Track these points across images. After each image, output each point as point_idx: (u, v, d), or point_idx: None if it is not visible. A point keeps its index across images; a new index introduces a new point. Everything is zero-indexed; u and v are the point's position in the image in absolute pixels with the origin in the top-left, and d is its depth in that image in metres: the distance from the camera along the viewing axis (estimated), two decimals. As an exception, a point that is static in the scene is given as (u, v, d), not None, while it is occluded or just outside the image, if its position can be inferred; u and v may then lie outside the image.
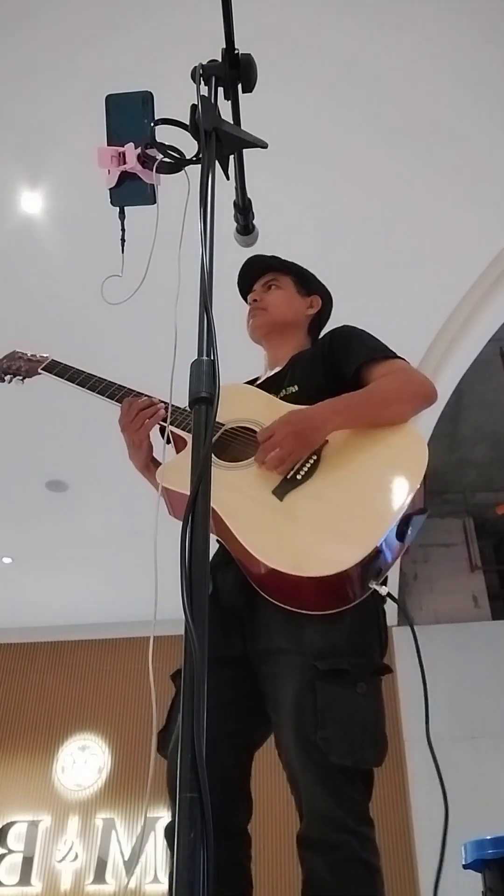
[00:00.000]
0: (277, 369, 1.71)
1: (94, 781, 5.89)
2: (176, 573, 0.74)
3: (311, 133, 3.03)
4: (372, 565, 1.24)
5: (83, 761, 5.97)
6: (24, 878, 5.52)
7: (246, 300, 1.87)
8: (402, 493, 1.31)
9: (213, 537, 1.45)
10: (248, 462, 1.41)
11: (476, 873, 1.76)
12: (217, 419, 1.46)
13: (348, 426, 1.41)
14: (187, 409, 1.47)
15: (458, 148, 3.11)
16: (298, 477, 1.35)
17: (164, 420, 1.46)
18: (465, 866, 1.75)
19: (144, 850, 5.51)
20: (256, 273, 1.84)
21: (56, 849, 5.63)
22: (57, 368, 1.70)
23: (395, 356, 1.56)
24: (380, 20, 2.70)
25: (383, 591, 1.29)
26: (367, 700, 1.26)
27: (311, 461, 1.37)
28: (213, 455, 1.41)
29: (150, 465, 1.54)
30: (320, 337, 1.74)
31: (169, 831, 1.27)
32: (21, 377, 1.76)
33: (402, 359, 1.56)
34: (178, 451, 1.51)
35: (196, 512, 0.78)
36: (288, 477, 1.35)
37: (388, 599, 1.36)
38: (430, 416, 4.10)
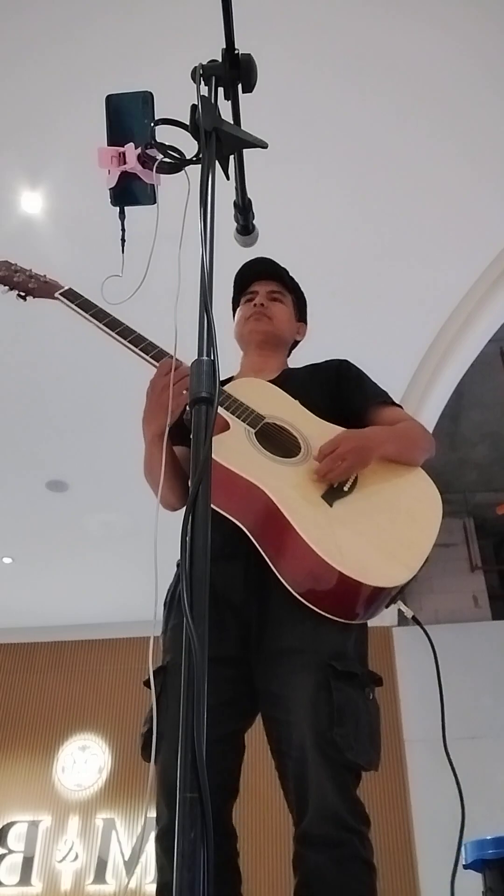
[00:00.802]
0: (267, 378, 1.70)
1: (94, 781, 5.89)
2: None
3: (312, 133, 3.02)
4: (405, 588, 1.34)
5: (83, 761, 5.97)
6: (25, 879, 5.52)
7: (239, 295, 1.86)
8: (430, 530, 1.41)
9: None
10: (295, 461, 1.43)
11: (476, 873, 1.76)
12: (256, 409, 1.47)
13: (388, 456, 1.50)
14: (226, 391, 1.48)
15: (459, 148, 3.11)
16: (344, 489, 1.41)
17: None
18: (466, 866, 1.76)
19: (145, 850, 5.51)
20: (263, 275, 1.83)
21: (56, 849, 5.62)
22: (79, 300, 1.53)
23: (399, 405, 1.69)
24: (380, 16, 2.70)
25: (409, 613, 1.43)
26: (373, 705, 1.31)
27: (353, 477, 1.44)
28: (258, 444, 1.43)
29: (163, 435, 1.44)
30: (320, 363, 1.76)
31: (162, 835, 1.27)
32: (23, 293, 1.57)
33: (400, 406, 1.70)
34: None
35: (196, 512, 0.78)
36: (334, 486, 1.41)
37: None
38: (430, 416, 4.10)
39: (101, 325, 1.48)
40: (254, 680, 1.37)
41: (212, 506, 1.39)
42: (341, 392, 1.66)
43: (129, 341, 1.46)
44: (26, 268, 1.59)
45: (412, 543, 1.37)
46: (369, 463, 1.45)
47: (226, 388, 1.53)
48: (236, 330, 1.83)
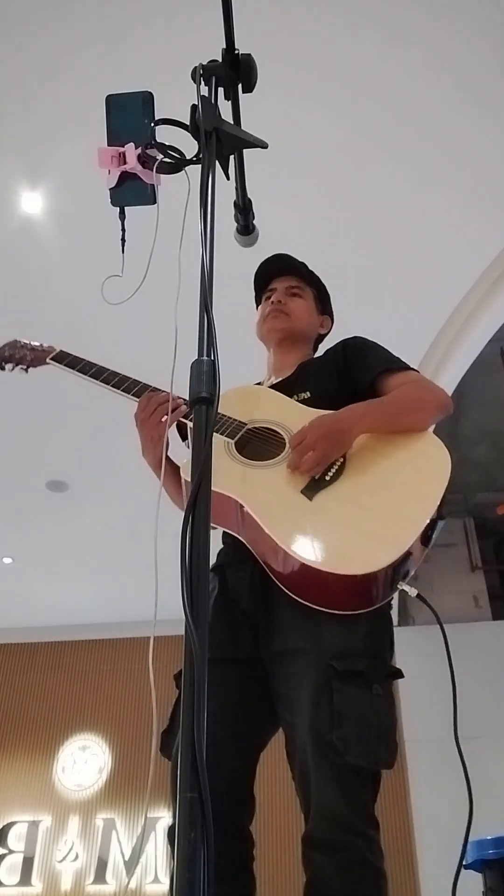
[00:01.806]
0: (285, 375, 1.71)
1: (94, 781, 5.89)
2: (176, 573, 0.74)
3: (312, 133, 3.02)
4: (401, 567, 1.27)
5: (83, 761, 5.97)
6: (25, 879, 5.52)
7: (259, 293, 1.85)
8: (430, 497, 1.34)
9: (217, 533, 1.46)
10: (274, 461, 1.42)
11: (477, 873, 1.76)
12: (238, 418, 1.48)
13: (373, 430, 1.45)
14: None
15: (459, 148, 3.11)
16: (327, 478, 1.37)
17: (187, 416, 1.42)
18: (466, 866, 1.76)
19: (145, 850, 5.51)
20: (281, 271, 1.82)
21: (56, 849, 5.63)
22: (67, 360, 1.67)
23: (409, 367, 1.60)
24: (380, 20, 2.70)
25: (413, 592, 1.35)
26: (381, 702, 1.27)
27: (338, 463, 1.40)
28: (238, 453, 1.42)
29: (160, 465, 1.51)
30: (332, 347, 1.74)
31: (172, 833, 1.26)
32: (24, 366, 1.72)
33: (416, 370, 1.61)
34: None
35: (196, 512, 0.78)
36: (316, 478, 1.37)
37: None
38: (430, 417, 4.09)
39: (87, 378, 1.62)
40: (268, 681, 1.37)
41: (214, 524, 1.41)
42: (349, 371, 1.62)
43: (112, 385, 1.59)
44: (27, 342, 1.75)
45: (402, 519, 1.31)
46: (347, 445, 1.40)
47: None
48: (257, 330, 1.82)
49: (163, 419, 1.46)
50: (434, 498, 1.33)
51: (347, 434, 1.41)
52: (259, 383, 1.79)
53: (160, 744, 1.28)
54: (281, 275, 1.82)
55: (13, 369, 1.73)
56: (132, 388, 1.57)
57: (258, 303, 1.87)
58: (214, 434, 1.42)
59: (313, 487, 1.36)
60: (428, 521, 1.30)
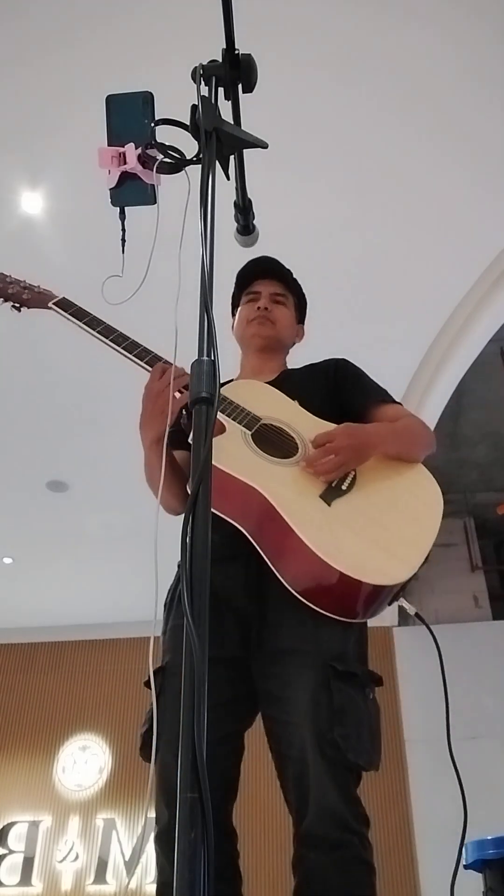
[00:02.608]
0: (267, 379, 1.70)
1: (94, 782, 5.89)
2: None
3: (312, 133, 3.02)
4: (406, 586, 1.34)
5: (84, 761, 5.97)
6: (25, 879, 5.52)
7: (240, 290, 1.84)
8: (431, 526, 1.40)
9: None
10: (291, 461, 1.42)
11: (477, 873, 1.76)
12: (253, 411, 1.47)
13: (388, 453, 1.49)
14: (222, 393, 1.47)
15: (459, 149, 3.11)
16: (343, 487, 1.40)
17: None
18: (466, 866, 1.76)
19: (145, 850, 5.51)
20: (267, 274, 1.81)
21: (57, 849, 5.62)
22: (72, 309, 1.56)
23: (398, 402, 1.67)
24: (382, 14, 2.70)
25: (412, 610, 1.41)
26: (373, 705, 1.31)
27: (352, 476, 1.43)
28: (255, 446, 1.42)
29: (160, 441, 1.45)
30: (318, 363, 1.75)
31: (161, 835, 1.27)
32: (17, 304, 1.58)
33: (402, 405, 1.69)
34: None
35: (196, 512, 0.78)
36: (333, 485, 1.39)
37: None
38: (430, 416, 4.10)
39: (95, 333, 1.51)
40: (254, 680, 1.37)
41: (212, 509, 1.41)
42: (340, 392, 1.65)
43: (123, 348, 1.49)
44: (20, 278, 1.61)
45: (412, 541, 1.36)
46: (366, 460, 1.44)
47: (222, 391, 1.52)
48: (237, 330, 1.81)
49: (177, 395, 1.37)
50: (434, 528, 1.40)
51: (371, 450, 1.45)
52: (229, 381, 1.77)
53: (139, 744, 1.29)
54: (266, 278, 1.81)
55: (1, 304, 1.58)
56: (144, 355, 1.48)
57: (235, 301, 1.85)
58: (231, 422, 1.43)
59: (331, 494, 1.38)
60: (431, 547, 1.37)
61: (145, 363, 1.47)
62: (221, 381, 1.68)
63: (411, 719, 5.00)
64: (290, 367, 1.82)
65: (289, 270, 1.84)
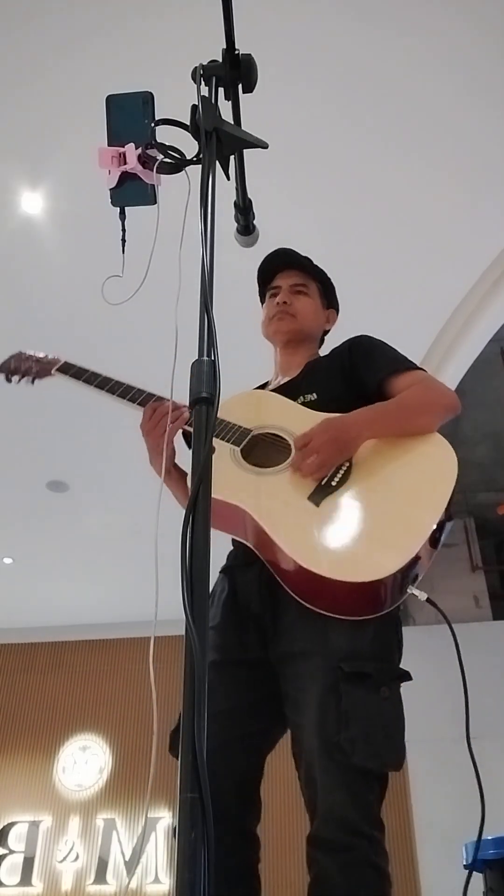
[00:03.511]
0: (292, 376, 1.69)
1: (94, 782, 5.89)
2: (176, 573, 0.74)
3: (312, 133, 3.02)
4: (410, 572, 1.28)
5: (84, 762, 5.97)
6: (25, 879, 5.52)
7: (263, 288, 1.82)
8: (437, 500, 1.33)
9: (226, 534, 1.46)
10: (280, 468, 1.41)
11: (477, 873, 1.76)
12: (244, 425, 1.47)
13: (381, 435, 1.44)
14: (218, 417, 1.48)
15: (460, 148, 3.11)
16: (333, 483, 1.37)
17: (189, 424, 1.40)
18: (467, 867, 1.75)
19: (145, 850, 5.51)
20: (285, 266, 1.79)
21: (57, 849, 5.63)
22: (72, 370, 1.69)
23: (416, 367, 1.59)
24: (380, 18, 2.70)
25: (423, 596, 1.32)
26: (389, 704, 1.27)
27: (345, 468, 1.39)
28: (243, 460, 1.42)
29: (171, 471, 1.53)
30: (338, 347, 1.71)
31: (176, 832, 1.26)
32: (31, 378, 1.75)
33: (423, 370, 1.60)
34: None
35: (196, 512, 0.78)
36: (323, 483, 1.37)
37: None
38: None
39: (92, 388, 1.64)
40: (277, 682, 1.37)
41: (220, 531, 1.41)
42: (356, 372, 1.60)
43: (117, 395, 1.61)
44: (32, 353, 1.77)
45: (410, 524, 1.30)
46: (354, 450, 1.40)
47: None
48: (263, 329, 1.80)
49: (168, 428, 1.44)
50: (441, 500, 1.33)
51: (354, 440, 1.41)
52: (266, 383, 1.78)
53: (169, 743, 1.27)
54: (285, 269, 1.78)
55: (19, 381, 1.76)
56: (136, 397, 1.58)
57: (262, 298, 1.83)
58: (219, 441, 1.43)
59: (320, 493, 1.35)
60: (436, 524, 1.30)
61: (137, 404, 1.57)
62: (258, 385, 1.69)
63: (412, 719, 4.98)
64: (321, 354, 1.79)
65: (307, 258, 1.80)
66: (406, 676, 1.34)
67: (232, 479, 1.39)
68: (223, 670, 1.34)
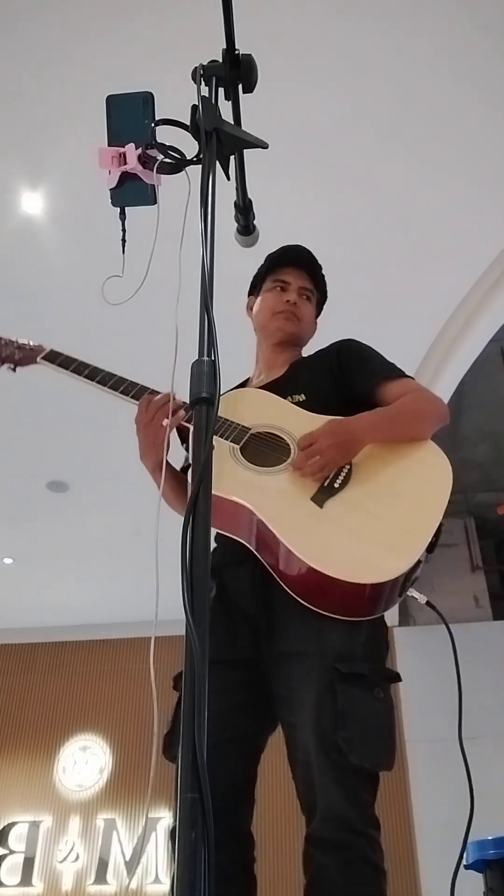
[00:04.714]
0: (276, 375, 1.70)
1: (95, 782, 5.89)
2: (177, 573, 0.74)
3: (312, 133, 3.02)
4: (411, 575, 1.30)
5: (84, 762, 5.97)
6: (26, 879, 5.52)
7: (266, 275, 1.79)
8: (436, 505, 1.37)
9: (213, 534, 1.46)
10: (281, 467, 1.41)
11: (477, 873, 1.76)
12: (242, 423, 1.46)
13: (382, 440, 1.46)
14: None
15: (460, 148, 3.10)
16: (335, 485, 1.38)
17: (188, 420, 1.39)
18: (467, 867, 1.76)
19: (146, 850, 5.51)
20: (299, 265, 1.77)
21: (57, 849, 5.63)
22: (59, 359, 1.61)
23: (406, 375, 1.61)
24: (381, 18, 2.70)
25: (422, 599, 1.38)
26: (382, 705, 1.28)
27: (345, 470, 1.40)
28: (243, 459, 1.41)
29: (158, 469, 1.49)
30: (324, 349, 1.71)
31: (174, 833, 1.27)
32: (12, 365, 1.64)
33: (412, 378, 1.62)
34: None
35: (197, 512, 0.78)
36: (325, 484, 1.37)
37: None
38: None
39: (82, 379, 1.57)
40: (269, 682, 1.37)
41: (215, 529, 1.41)
42: (344, 376, 1.60)
43: (109, 387, 1.55)
44: (12, 339, 1.65)
45: (413, 528, 1.33)
46: (355, 453, 1.41)
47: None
48: (260, 317, 1.77)
49: (164, 423, 1.42)
50: (440, 506, 1.36)
51: (357, 444, 1.42)
52: (247, 379, 1.77)
53: (163, 746, 1.27)
54: (298, 268, 1.77)
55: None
56: (129, 390, 1.53)
57: (260, 281, 1.81)
58: (219, 439, 1.42)
59: (323, 494, 1.36)
60: (436, 528, 1.33)
61: (131, 397, 1.52)
62: (240, 382, 1.67)
63: (411, 719, 5.00)
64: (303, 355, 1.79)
65: (320, 266, 1.80)
66: (396, 678, 1.35)
67: (233, 477, 1.39)
68: (215, 670, 1.33)
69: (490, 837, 1.75)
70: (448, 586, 5.73)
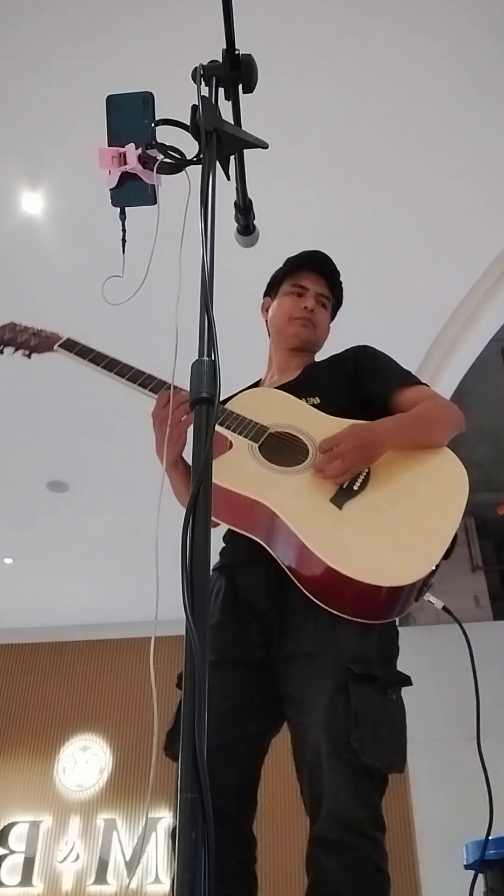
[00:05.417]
0: (289, 377, 1.69)
1: (95, 782, 5.89)
2: (177, 573, 0.74)
3: (312, 133, 3.02)
4: (428, 580, 1.31)
5: (84, 762, 5.97)
6: (26, 879, 5.52)
7: (283, 276, 1.79)
8: (454, 512, 1.37)
9: (217, 532, 1.45)
10: (300, 468, 1.41)
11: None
12: (259, 421, 1.46)
13: (401, 446, 1.46)
14: (227, 408, 1.47)
15: (460, 148, 3.11)
16: (354, 488, 1.38)
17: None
18: (467, 867, 1.75)
19: (146, 850, 5.52)
20: (318, 270, 1.77)
21: (57, 849, 5.63)
22: (77, 348, 1.59)
23: (421, 382, 1.62)
24: (381, 18, 2.70)
25: (439, 604, 1.38)
26: (395, 707, 1.29)
27: (364, 474, 1.40)
28: (263, 458, 1.41)
29: (178, 463, 1.51)
30: (338, 354, 1.72)
31: (175, 833, 1.26)
32: (27, 352, 1.63)
33: (427, 385, 1.63)
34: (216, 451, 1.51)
35: (196, 512, 0.78)
36: (344, 487, 1.37)
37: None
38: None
39: (99, 369, 1.55)
40: (278, 683, 1.37)
41: (228, 525, 1.40)
42: (360, 381, 1.61)
43: (127, 378, 1.52)
44: (28, 325, 1.65)
45: (431, 533, 1.33)
46: (376, 458, 1.41)
47: (228, 404, 1.52)
48: (276, 320, 1.77)
49: (183, 419, 1.40)
50: (457, 513, 1.36)
51: (379, 449, 1.42)
52: (259, 381, 1.78)
53: (164, 743, 1.27)
54: (317, 274, 1.77)
55: (13, 353, 1.63)
56: (148, 382, 1.51)
57: (277, 284, 1.80)
58: (237, 436, 1.43)
59: (342, 496, 1.36)
60: (454, 535, 1.33)
61: (149, 390, 1.50)
62: (251, 383, 1.67)
63: (412, 719, 4.98)
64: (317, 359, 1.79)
65: (339, 272, 1.80)
66: (407, 682, 1.35)
67: (252, 475, 1.38)
68: (223, 669, 1.34)
69: (490, 837, 1.75)
70: (448, 586, 5.69)
